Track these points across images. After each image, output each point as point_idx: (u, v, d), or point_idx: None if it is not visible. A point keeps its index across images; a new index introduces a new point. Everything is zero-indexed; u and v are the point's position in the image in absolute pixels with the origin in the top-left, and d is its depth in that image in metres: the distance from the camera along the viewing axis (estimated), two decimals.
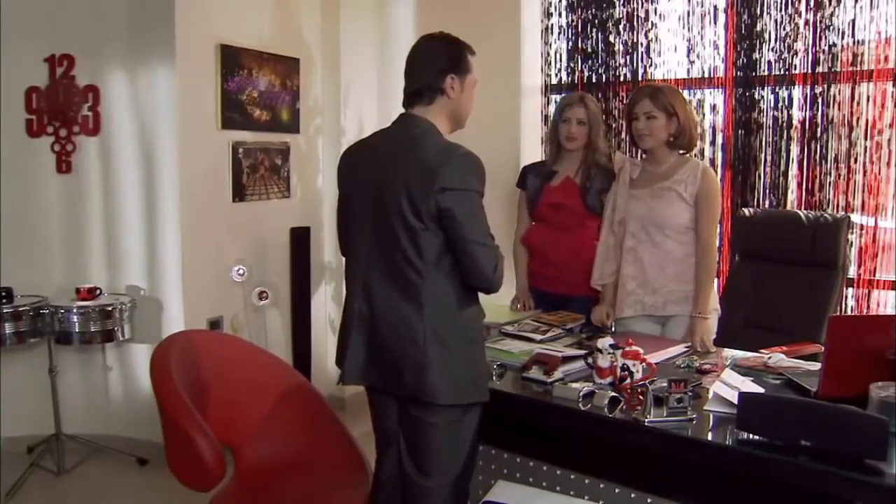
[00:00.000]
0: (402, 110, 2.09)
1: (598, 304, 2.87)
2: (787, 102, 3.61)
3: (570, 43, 4.18)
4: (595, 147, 3.02)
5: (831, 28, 3.46)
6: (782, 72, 3.60)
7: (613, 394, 1.97)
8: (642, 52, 3.97)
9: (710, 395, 1.96)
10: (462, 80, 2.06)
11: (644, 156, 2.83)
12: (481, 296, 2.07)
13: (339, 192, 2.14)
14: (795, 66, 3.57)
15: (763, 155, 3.68)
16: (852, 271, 3.44)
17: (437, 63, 2.04)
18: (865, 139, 3.44)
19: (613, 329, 2.78)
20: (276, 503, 2.37)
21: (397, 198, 1.93)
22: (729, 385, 1.95)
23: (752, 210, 3.47)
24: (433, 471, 2.02)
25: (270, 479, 2.42)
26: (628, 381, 2.02)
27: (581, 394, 1.98)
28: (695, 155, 2.95)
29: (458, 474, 2.04)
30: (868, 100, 3.42)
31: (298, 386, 2.64)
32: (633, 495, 1.92)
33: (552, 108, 4.20)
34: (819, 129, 3.53)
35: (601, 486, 1.97)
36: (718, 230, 3.02)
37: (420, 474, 2.03)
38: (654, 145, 2.70)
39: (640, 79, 3.98)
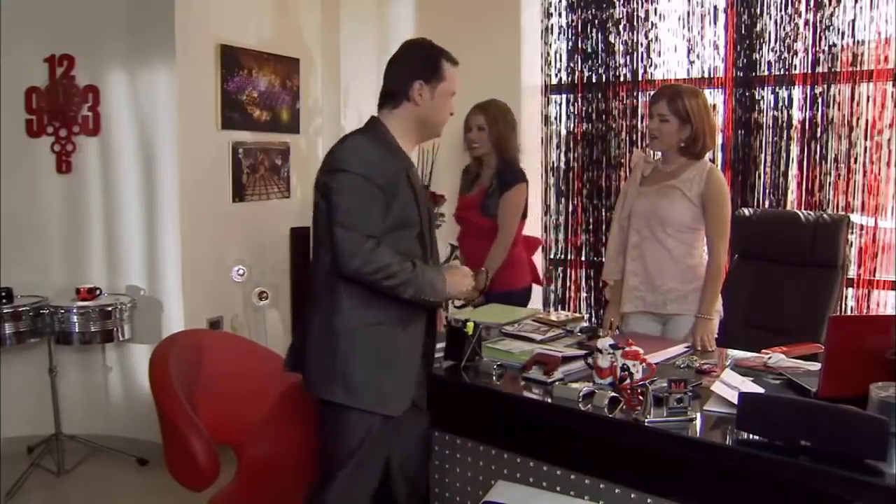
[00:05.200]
0: None
1: (609, 305, 2.91)
2: (787, 102, 3.61)
3: (570, 43, 4.17)
4: (506, 148, 3.21)
5: (831, 28, 3.46)
6: (782, 72, 3.60)
7: (613, 394, 1.96)
8: (642, 52, 3.97)
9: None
10: (432, 88, 2.02)
11: (658, 155, 2.82)
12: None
13: None
14: (795, 66, 3.57)
15: (763, 155, 3.68)
16: (852, 271, 3.44)
17: (407, 68, 2.04)
18: (865, 139, 3.44)
19: (620, 331, 2.78)
20: (276, 502, 2.37)
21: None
22: (729, 385, 1.94)
23: (752, 210, 3.47)
24: (318, 469, 2.06)
25: (271, 477, 2.42)
26: (628, 381, 2.02)
27: (581, 394, 1.98)
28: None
29: (323, 483, 1.99)
30: (868, 100, 3.42)
31: (300, 385, 2.62)
32: (633, 495, 1.92)
33: (552, 109, 4.21)
34: (819, 130, 3.53)
35: (601, 486, 1.97)
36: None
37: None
38: (663, 149, 2.65)
39: (640, 79, 3.98)
